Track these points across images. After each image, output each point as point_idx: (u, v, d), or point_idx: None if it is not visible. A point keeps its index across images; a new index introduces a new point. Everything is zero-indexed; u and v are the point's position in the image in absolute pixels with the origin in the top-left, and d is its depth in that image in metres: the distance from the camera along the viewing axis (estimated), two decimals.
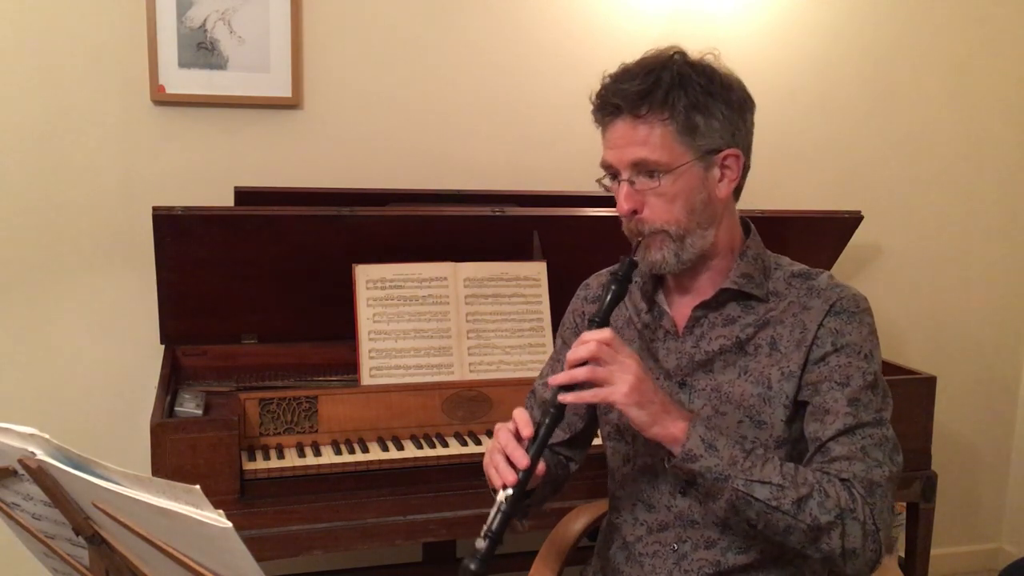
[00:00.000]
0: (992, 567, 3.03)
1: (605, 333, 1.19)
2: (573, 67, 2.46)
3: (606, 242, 2.08)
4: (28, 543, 1.17)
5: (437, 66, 2.38)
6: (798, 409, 1.28)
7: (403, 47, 2.35)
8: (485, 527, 1.13)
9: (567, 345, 1.50)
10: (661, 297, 1.38)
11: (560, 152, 2.49)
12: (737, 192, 1.33)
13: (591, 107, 1.31)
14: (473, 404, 1.94)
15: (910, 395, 2.12)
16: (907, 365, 2.28)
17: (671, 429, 1.19)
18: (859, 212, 2.42)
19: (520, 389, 1.93)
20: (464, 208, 2.11)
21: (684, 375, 1.33)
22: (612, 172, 1.30)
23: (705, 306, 1.32)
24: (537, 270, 2.09)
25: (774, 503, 1.16)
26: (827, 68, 2.65)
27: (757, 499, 1.17)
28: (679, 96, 1.22)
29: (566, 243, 2.11)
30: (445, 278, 2.03)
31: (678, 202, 1.25)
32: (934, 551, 2.35)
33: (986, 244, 2.93)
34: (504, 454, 1.18)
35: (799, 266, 1.36)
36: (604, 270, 1.52)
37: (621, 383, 1.17)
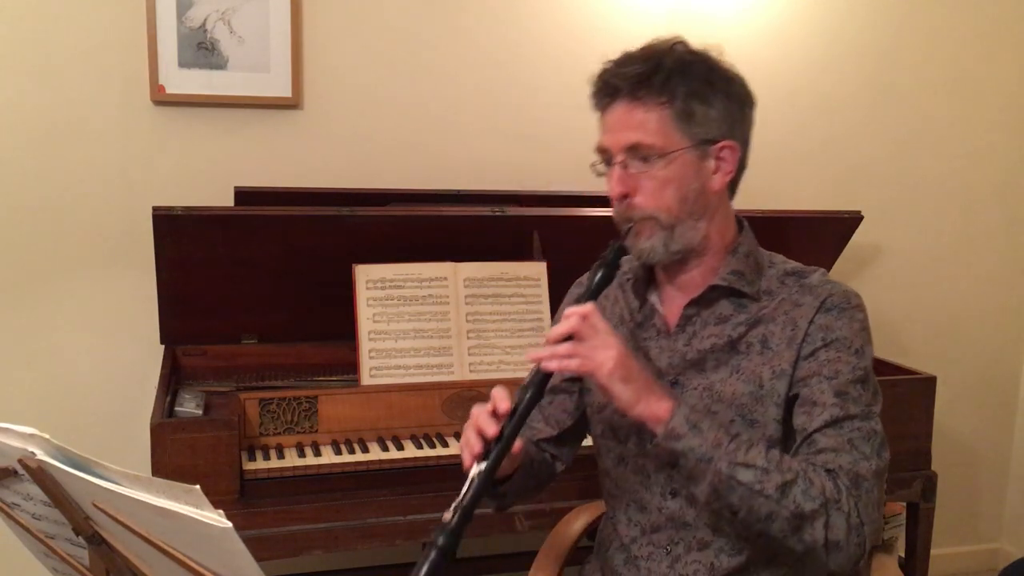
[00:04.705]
0: (992, 567, 3.03)
1: (587, 307, 1.17)
2: (573, 67, 2.46)
3: (606, 242, 2.08)
4: (28, 543, 1.17)
5: (437, 66, 2.38)
6: (789, 408, 1.26)
7: (403, 47, 2.35)
8: (455, 502, 1.07)
9: None
10: (654, 295, 1.38)
11: (560, 152, 2.49)
12: (732, 188, 1.32)
13: (590, 91, 1.31)
14: (473, 404, 1.93)
15: (910, 395, 2.12)
16: (907, 365, 2.28)
17: (655, 408, 1.17)
18: (859, 212, 2.42)
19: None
20: (464, 208, 2.11)
21: (676, 374, 1.32)
22: (607, 157, 1.30)
23: (696, 303, 1.32)
24: (537, 270, 2.09)
25: (758, 487, 1.14)
26: (827, 68, 2.65)
27: (741, 482, 1.14)
28: (679, 82, 1.23)
29: (566, 243, 2.11)
30: (445, 278, 2.03)
31: (670, 188, 1.25)
32: (934, 551, 2.34)
33: (986, 244, 2.93)
34: (477, 429, 1.15)
35: (792, 264, 1.35)
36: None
37: (606, 359, 1.15)
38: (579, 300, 1.23)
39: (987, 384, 3.01)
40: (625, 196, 1.27)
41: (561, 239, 2.11)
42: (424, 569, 1.00)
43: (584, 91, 2.68)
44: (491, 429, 1.14)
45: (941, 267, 2.89)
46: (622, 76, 1.24)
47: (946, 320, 2.92)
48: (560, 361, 1.16)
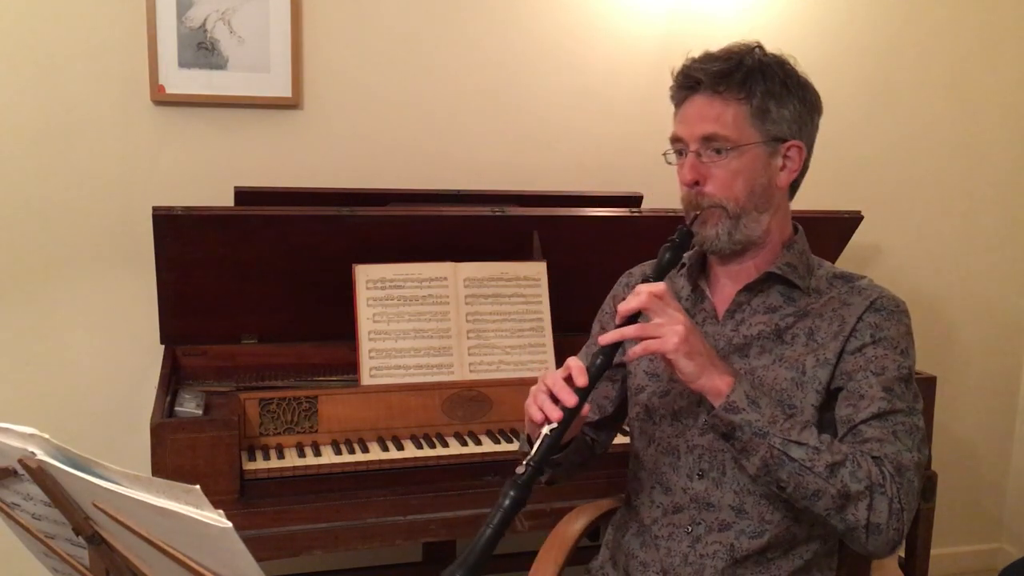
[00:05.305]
0: (992, 567, 3.03)
1: (658, 286, 1.22)
2: (573, 67, 2.46)
3: (606, 242, 2.08)
4: (28, 543, 1.17)
5: (437, 66, 2.38)
6: (829, 399, 1.30)
7: (403, 47, 2.35)
8: (527, 457, 1.15)
9: (605, 331, 1.51)
10: (704, 282, 1.43)
11: (560, 152, 2.49)
12: (793, 189, 1.39)
13: (670, 84, 1.36)
14: (473, 404, 1.94)
15: None
16: None
17: (717, 381, 1.22)
18: (859, 212, 2.42)
19: (520, 389, 1.93)
20: (464, 208, 2.11)
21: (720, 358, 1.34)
22: (679, 147, 1.35)
23: (748, 289, 1.36)
24: (537, 270, 2.09)
25: (808, 464, 1.19)
26: (827, 68, 2.65)
27: (792, 458, 1.19)
28: (758, 81, 1.29)
29: (566, 243, 2.11)
30: (445, 278, 2.03)
31: (740, 179, 1.30)
32: (934, 551, 2.35)
33: (986, 244, 2.93)
34: (550, 394, 1.21)
35: (841, 269, 1.42)
36: (646, 262, 1.55)
37: (671, 335, 1.19)
38: (646, 279, 1.27)
39: (987, 384, 3.01)
40: (696, 183, 1.32)
41: (561, 239, 2.11)
42: (498, 517, 1.09)
43: (584, 91, 2.68)
44: (571, 399, 1.19)
45: (941, 267, 2.90)
46: (704, 71, 1.30)
47: (946, 320, 2.92)
48: (629, 350, 1.22)
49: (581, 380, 1.19)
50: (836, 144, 2.71)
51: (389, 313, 1.98)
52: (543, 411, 1.20)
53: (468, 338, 2.02)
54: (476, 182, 2.37)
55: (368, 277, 1.98)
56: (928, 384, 2.16)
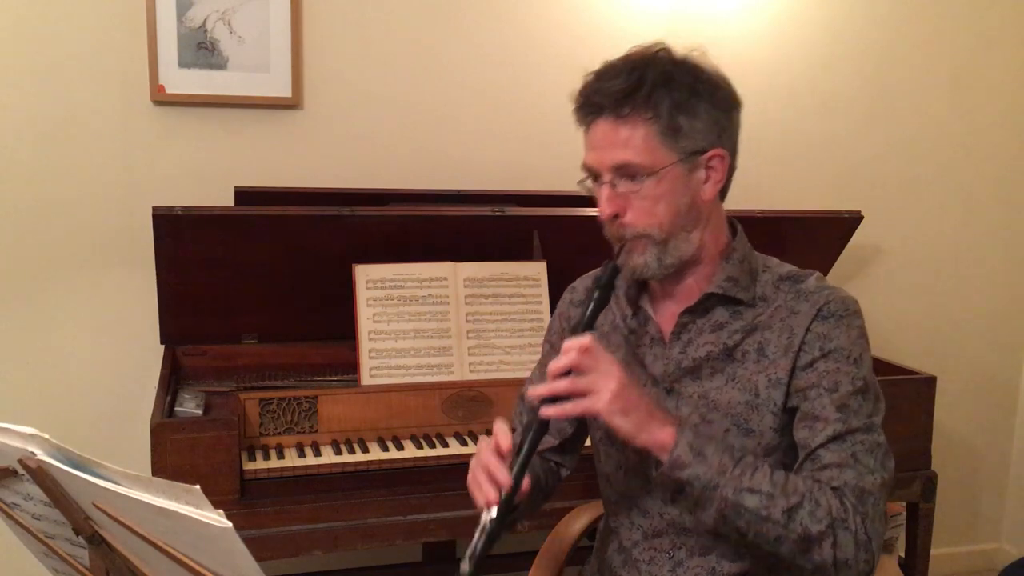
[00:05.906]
0: (992, 567, 3.03)
1: (585, 339, 1.16)
2: (573, 67, 2.42)
3: (606, 242, 2.08)
4: (28, 543, 1.17)
5: (437, 66, 2.38)
6: (787, 417, 1.25)
7: (403, 47, 2.35)
8: (470, 548, 1.11)
9: (554, 349, 1.47)
10: (646, 303, 1.36)
11: (560, 152, 2.48)
12: (723, 193, 1.30)
13: (573, 107, 1.28)
14: (473, 404, 1.94)
15: (910, 395, 2.12)
16: (907, 365, 2.28)
17: (658, 435, 1.16)
18: (859, 212, 2.42)
19: (520, 389, 1.93)
20: (464, 208, 2.11)
21: (671, 382, 1.31)
22: (594, 174, 1.27)
23: (691, 312, 1.30)
24: (537, 270, 2.09)
25: (764, 512, 1.14)
26: (827, 68, 2.65)
27: (747, 508, 1.14)
28: (663, 96, 1.19)
29: (566, 243, 2.11)
30: (445, 278, 2.03)
31: (661, 205, 1.22)
32: (934, 551, 2.34)
33: (986, 244, 2.93)
34: (487, 472, 1.15)
35: (788, 267, 1.33)
36: (589, 273, 1.48)
37: (604, 391, 1.13)
38: (576, 328, 1.22)
39: (987, 384, 3.01)
40: (616, 216, 1.24)
41: (561, 239, 2.11)
42: None
43: None
44: (502, 476, 1.14)
45: (941, 267, 2.89)
46: (604, 92, 1.21)
47: (946, 320, 2.92)
48: (559, 407, 1.15)
49: (504, 443, 1.15)
50: (836, 144, 2.72)
51: (389, 313, 1.98)
52: (482, 491, 1.15)
53: (468, 338, 2.02)
54: (476, 182, 2.37)
55: (368, 277, 1.98)
56: (928, 384, 2.16)
